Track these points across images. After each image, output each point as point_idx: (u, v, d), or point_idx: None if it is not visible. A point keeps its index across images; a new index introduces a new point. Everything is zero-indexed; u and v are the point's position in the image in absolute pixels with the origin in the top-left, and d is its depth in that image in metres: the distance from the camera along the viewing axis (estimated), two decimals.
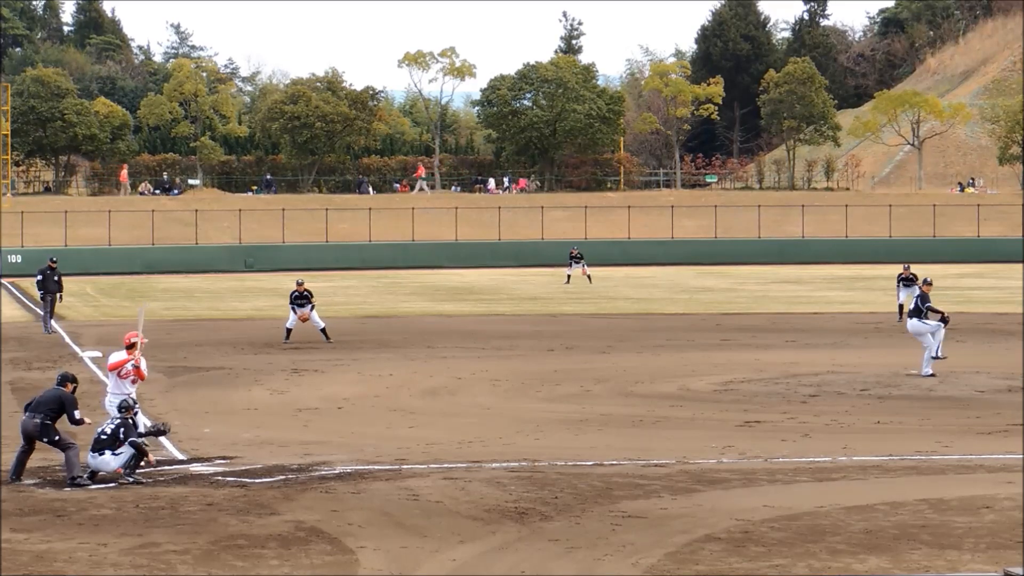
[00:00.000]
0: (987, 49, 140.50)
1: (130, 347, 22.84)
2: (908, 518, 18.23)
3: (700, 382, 31.75)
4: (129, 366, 22.65)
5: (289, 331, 40.30)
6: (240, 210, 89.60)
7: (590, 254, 71.79)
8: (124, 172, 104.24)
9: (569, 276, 67.33)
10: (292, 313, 40.48)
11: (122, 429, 21.00)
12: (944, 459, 22.49)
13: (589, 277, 66.56)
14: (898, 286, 46.99)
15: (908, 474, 21.38)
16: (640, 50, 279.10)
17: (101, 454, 20.80)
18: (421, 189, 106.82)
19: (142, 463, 20.89)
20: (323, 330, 40.19)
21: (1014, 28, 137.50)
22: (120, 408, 21.59)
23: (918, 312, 32.58)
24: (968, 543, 16.92)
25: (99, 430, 21.15)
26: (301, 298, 40.40)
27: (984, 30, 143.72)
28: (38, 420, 20.90)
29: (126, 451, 20.85)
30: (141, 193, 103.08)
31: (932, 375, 31.82)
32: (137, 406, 22.17)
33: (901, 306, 45.97)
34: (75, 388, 21.61)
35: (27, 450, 21.15)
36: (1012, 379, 31.52)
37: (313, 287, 42.81)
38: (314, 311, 40.50)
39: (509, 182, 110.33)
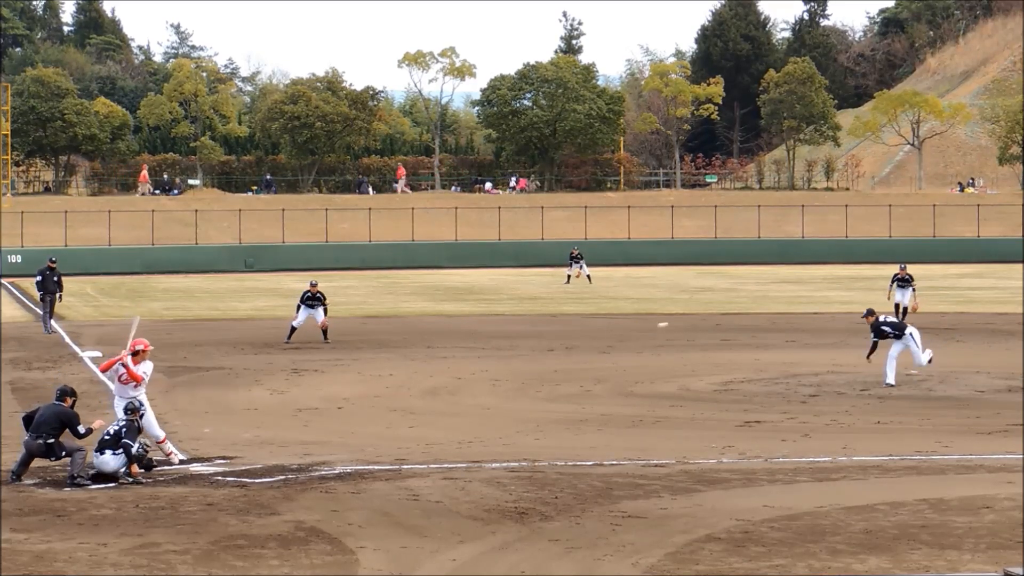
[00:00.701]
0: (987, 49, 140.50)
1: (135, 354, 22.59)
2: (908, 518, 18.22)
3: (700, 382, 31.74)
4: (119, 366, 22.52)
5: (293, 330, 40.25)
6: (240, 210, 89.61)
7: (590, 254, 71.78)
8: (144, 173, 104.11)
9: (569, 276, 67.33)
10: (298, 312, 40.42)
11: (124, 430, 21.00)
12: (944, 459, 22.47)
13: (589, 278, 66.52)
14: (891, 285, 46.97)
15: (908, 474, 21.37)
16: (640, 50, 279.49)
17: (103, 453, 20.82)
18: (403, 191, 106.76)
19: (132, 467, 20.87)
20: (324, 330, 40.15)
21: (1014, 28, 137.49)
22: (126, 410, 21.59)
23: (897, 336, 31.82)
24: (968, 543, 16.91)
25: (105, 430, 21.15)
26: (313, 299, 40.29)
27: (984, 30, 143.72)
28: (41, 442, 20.85)
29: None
30: (142, 193, 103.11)
31: (929, 361, 31.40)
32: (144, 408, 22.14)
33: (897, 305, 46.00)
34: (74, 402, 21.39)
35: (30, 457, 21.09)
36: (1012, 379, 31.50)
37: None
38: (326, 313, 40.47)
39: (515, 182, 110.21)
